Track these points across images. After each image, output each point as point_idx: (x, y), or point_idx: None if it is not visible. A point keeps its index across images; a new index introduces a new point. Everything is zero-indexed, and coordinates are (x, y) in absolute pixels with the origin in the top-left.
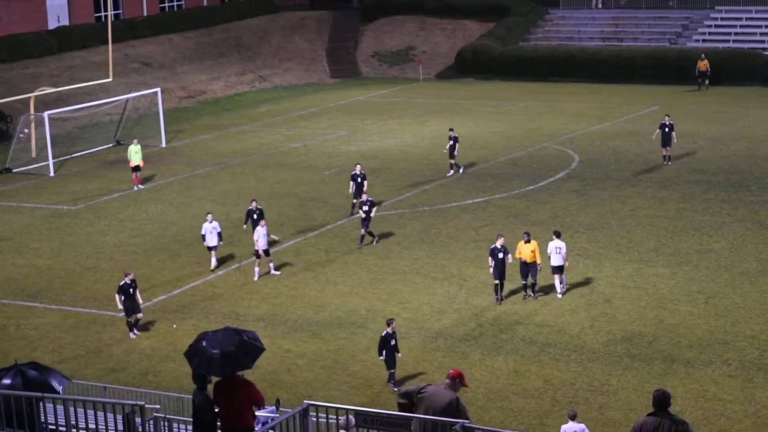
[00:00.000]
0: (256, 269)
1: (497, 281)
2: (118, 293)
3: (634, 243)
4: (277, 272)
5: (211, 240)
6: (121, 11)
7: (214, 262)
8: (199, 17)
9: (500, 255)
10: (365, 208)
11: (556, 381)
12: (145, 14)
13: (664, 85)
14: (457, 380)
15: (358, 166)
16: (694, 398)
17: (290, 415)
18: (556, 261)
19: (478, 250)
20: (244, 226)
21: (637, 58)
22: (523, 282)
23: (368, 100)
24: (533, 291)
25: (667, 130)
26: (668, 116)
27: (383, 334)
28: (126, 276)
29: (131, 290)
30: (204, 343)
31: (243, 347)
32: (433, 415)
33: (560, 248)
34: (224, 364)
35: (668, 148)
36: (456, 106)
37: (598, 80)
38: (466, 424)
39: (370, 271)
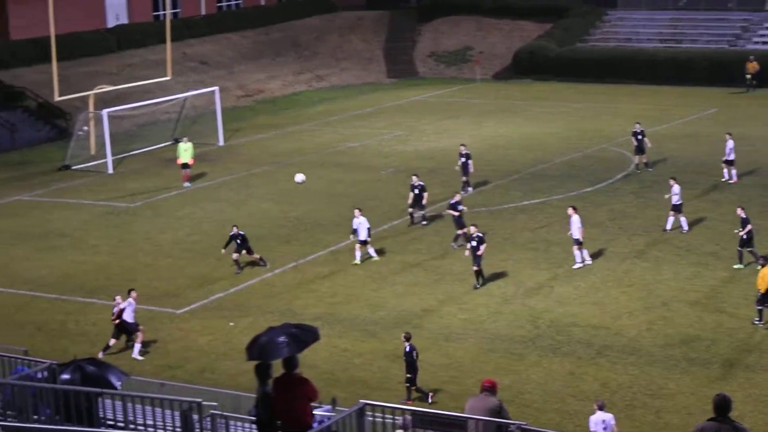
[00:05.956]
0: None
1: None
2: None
3: (693, 246)
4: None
5: (361, 233)
6: (179, 10)
7: (358, 255)
8: (257, 17)
9: (473, 243)
10: (473, 243)
11: (613, 384)
12: (203, 13)
13: (723, 87)
14: (493, 389)
15: (415, 177)
16: (754, 403)
17: (346, 414)
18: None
19: (534, 251)
20: (223, 250)
21: (695, 60)
22: (758, 308)
23: (425, 100)
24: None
25: (639, 137)
26: (639, 123)
27: (407, 349)
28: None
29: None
30: (264, 338)
31: (303, 329)
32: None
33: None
34: (292, 342)
35: (643, 155)
36: (513, 106)
37: (655, 82)
38: (523, 426)
39: (426, 272)
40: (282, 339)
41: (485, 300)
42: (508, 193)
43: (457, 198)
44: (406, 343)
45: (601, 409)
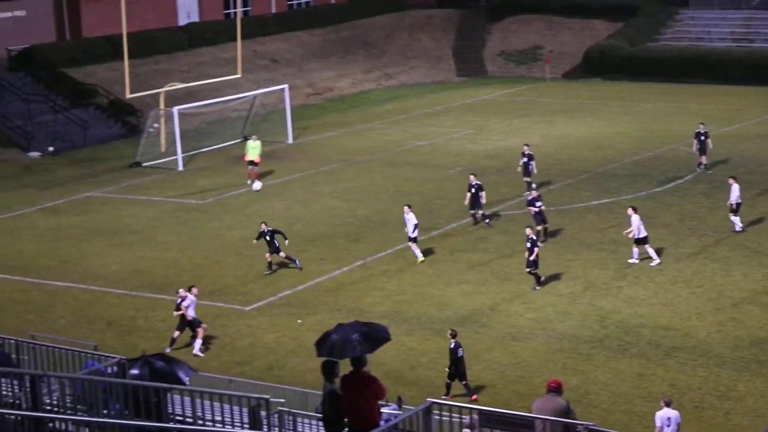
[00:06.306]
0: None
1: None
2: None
3: (764, 247)
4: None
5: (409, 230)
6: (249, 8)
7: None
8: (326, 15)
9: (527, 245)
10: (528, 245)
11: (682, 385)
12: (274, 11)
13: None
14: (559, 389)
15: (472, 176)
16: None
17: (413, 412)
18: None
19: (602, 251)
20: (255, 241)
21: None
22: None
23: (494, 99)
24: None
25: (702, 138)
26: (702, 124)
27: (451, 346)
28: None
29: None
30: (335, 336)
31: (373, 328)
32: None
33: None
34: (364, 342)
35: (704, 156)
36: (582, 106)
37: (727, 82)
38: (590, 426)
39: (494, 271)
40: (355, 337)
41: (553, 300)
42: (577, 192)
43: (534, 194)
44: (452, 340)
45: (668, 405)
